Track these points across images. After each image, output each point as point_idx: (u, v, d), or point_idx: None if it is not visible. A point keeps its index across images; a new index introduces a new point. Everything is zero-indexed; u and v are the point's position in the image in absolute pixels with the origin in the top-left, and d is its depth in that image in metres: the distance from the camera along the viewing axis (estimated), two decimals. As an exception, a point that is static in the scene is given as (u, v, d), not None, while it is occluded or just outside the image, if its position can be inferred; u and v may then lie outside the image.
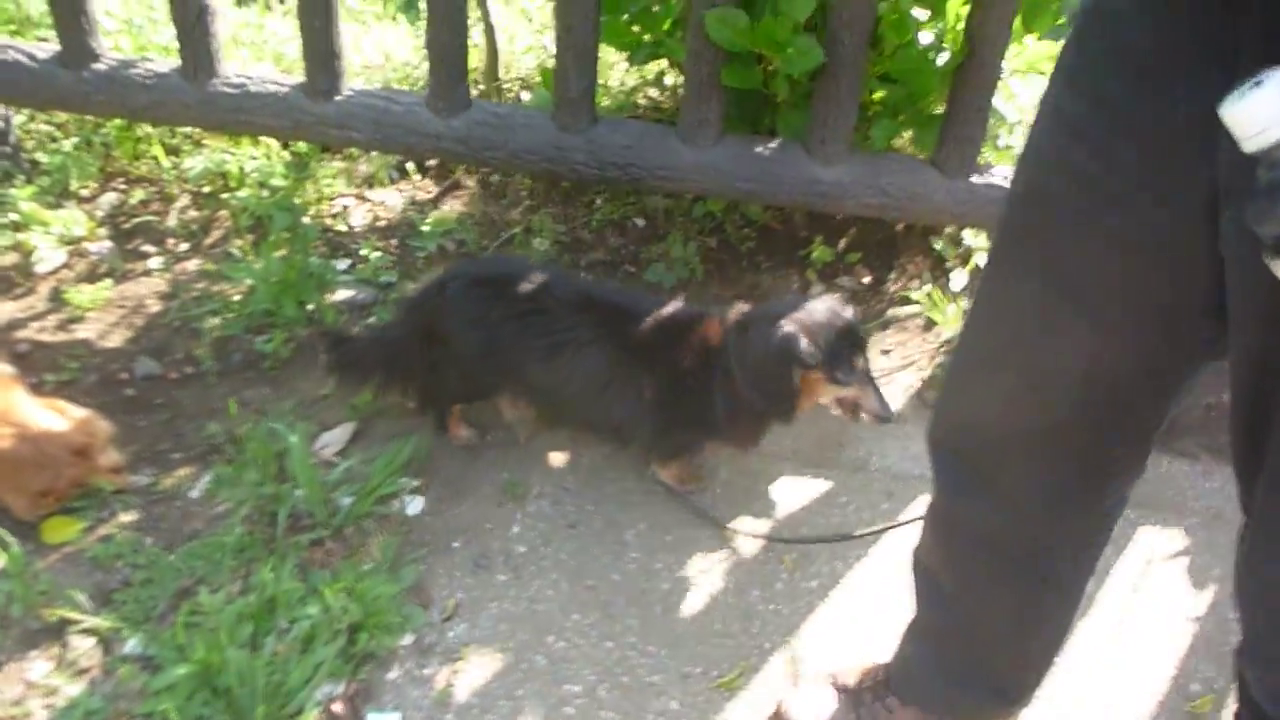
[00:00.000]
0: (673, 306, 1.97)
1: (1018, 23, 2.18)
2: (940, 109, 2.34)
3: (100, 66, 2.37)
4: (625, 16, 2.34)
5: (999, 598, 1.48)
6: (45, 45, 2.43)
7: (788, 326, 1.81)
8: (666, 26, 2.35)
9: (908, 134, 2.52)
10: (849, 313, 1.89)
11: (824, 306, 1.87)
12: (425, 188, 2.84)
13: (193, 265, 2.55)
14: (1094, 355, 1.16)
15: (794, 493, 2.12)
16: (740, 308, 1.95)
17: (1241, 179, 0.84)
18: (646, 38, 2.38)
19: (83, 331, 2.38)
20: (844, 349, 1.85)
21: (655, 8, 2.35)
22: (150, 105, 2.37)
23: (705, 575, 1.95)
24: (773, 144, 2.31)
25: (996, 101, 2.30)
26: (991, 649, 1.54)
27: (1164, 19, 0.97)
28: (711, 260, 2.63)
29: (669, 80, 2.87)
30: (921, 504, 1.64)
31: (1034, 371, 1.22)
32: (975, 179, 2.32)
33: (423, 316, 2.03)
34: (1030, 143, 1.16)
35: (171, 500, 2.03)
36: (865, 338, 1.93)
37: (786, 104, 2.36)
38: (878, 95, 2.35)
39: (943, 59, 2.23)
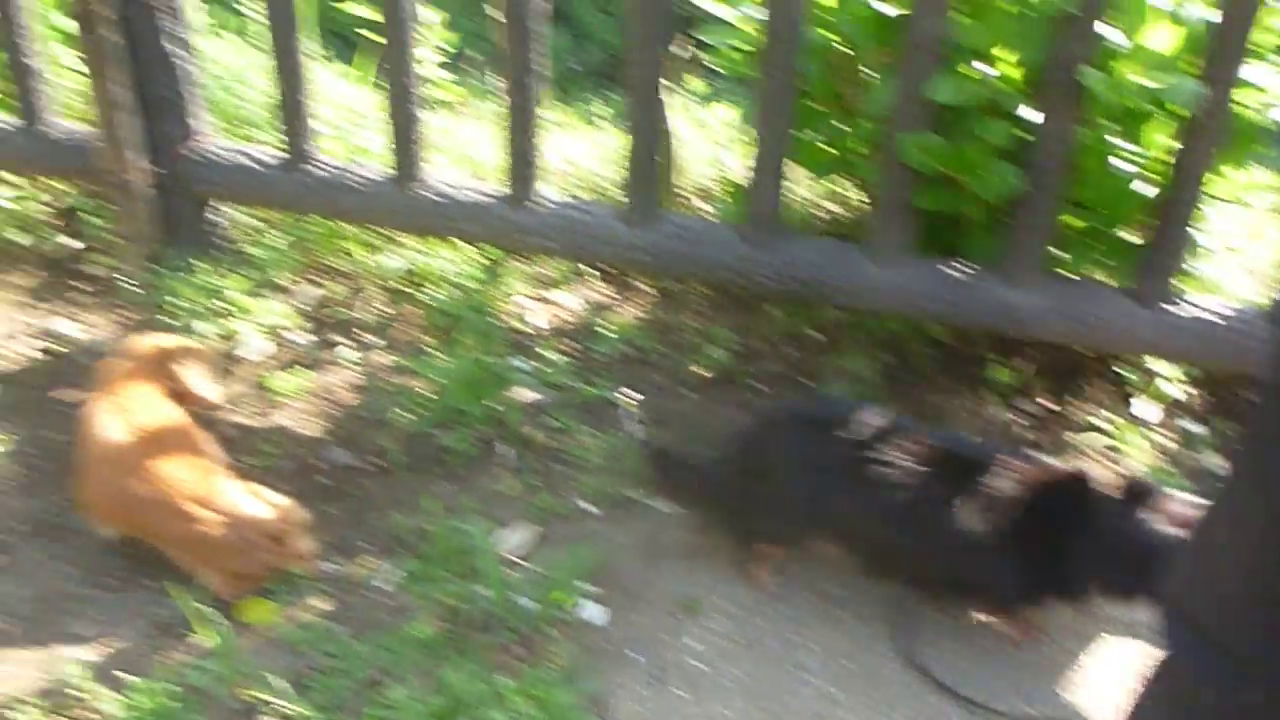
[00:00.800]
0: (1024, 458, 1.92)
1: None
2: (1136, 238, 2.29)
3: (316, 170, 2.52)
4: (813, 135, 2.38)
5: None
6: (268, 150, 2.61)
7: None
8: (856, 148, 2.37)
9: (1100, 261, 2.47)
10: None
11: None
12: (603, 291, 2.91)
13: (382, 359, 2.66)
14: None
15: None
16: (1112, 475, 1.92)
17: None
18: (836, 156, 2.41)
19: (281, 418, 2.50)
20: None
21: (845, 128, 2.39)
22: (360, 208, 2.51)
23: (889, 708, 1.90)
24: (964, 267, 2.30)
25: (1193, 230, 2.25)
26: None
27: None
28: (888, 377, 2.61)
29: (850, 195, 2.89)
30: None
31: None
32: (1171, 308, 2.26)
33: (750, 452, 2.05)
34: None
35: (359, 589, 2.09)
36: None
37: (976, 226, 2.35)
38: (1073, 221, 2.32)
39: (1142, 187, 2.20)
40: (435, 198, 2.47)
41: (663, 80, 2.26)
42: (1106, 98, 2.07)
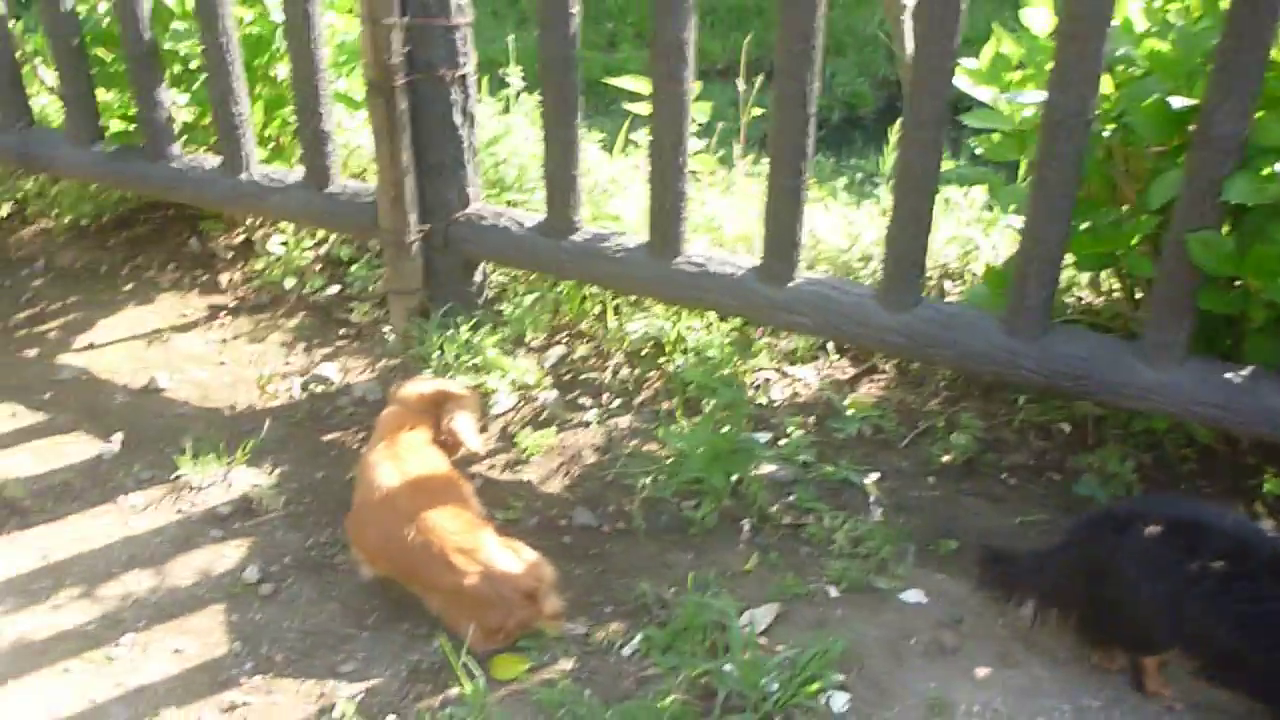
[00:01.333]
0: None
1: None
2: None
3: (577, 238, 2.62)
4: (1088, 226, 2.32)
5: None
6: (534, 216, 2.73)
7: None
8: (1131, 241, 2.29)
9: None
10: None
11: None
12: (843, 368, 2.90)
13: (624, 422, 2.72)
14: None
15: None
16: None
17: None
18: (1109, 250, 2.34)
19: (528, 474, 2.58)
20: None
21: (1119, 221, 2.32)
22: (616, 276, 2.59)
23: (1154, 837, 1.80)
24: (1244, 370, 2.18)
25: None
26: None
27: None
28: (1146, 478, 2.49)
29: (1107, 284, 2.80)
30: None
31: None
32: None
33: (1092, 552, 2.01)
34: None
35: (604, 654, 2.13)
36: None
37: (1258, 329, 2.23)
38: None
39: None
40: (691, 269, 2.52)
41: (940, 164, 2.25)
42: None
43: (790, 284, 2.46)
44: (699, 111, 2.91)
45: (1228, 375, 2.19)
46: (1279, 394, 2.15)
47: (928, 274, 3.03)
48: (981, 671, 2.08)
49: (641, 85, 2.78)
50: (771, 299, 2.46)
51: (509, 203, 3.16)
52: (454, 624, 2.12)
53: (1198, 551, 1.86)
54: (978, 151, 2.58)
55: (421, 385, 2.43)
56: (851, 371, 2.89)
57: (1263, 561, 1.82)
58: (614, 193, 3.21)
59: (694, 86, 2.45)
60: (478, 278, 2.92)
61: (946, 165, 3.36)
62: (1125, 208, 2.34)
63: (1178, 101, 2.11)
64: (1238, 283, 2.17)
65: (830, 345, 2.93)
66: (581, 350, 2.95)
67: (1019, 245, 2.25)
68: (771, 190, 2.40)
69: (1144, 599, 1.92)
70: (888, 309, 2.37)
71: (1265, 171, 2.00)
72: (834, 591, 2.25)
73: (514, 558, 2.14)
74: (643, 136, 3.13)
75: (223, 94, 2.89)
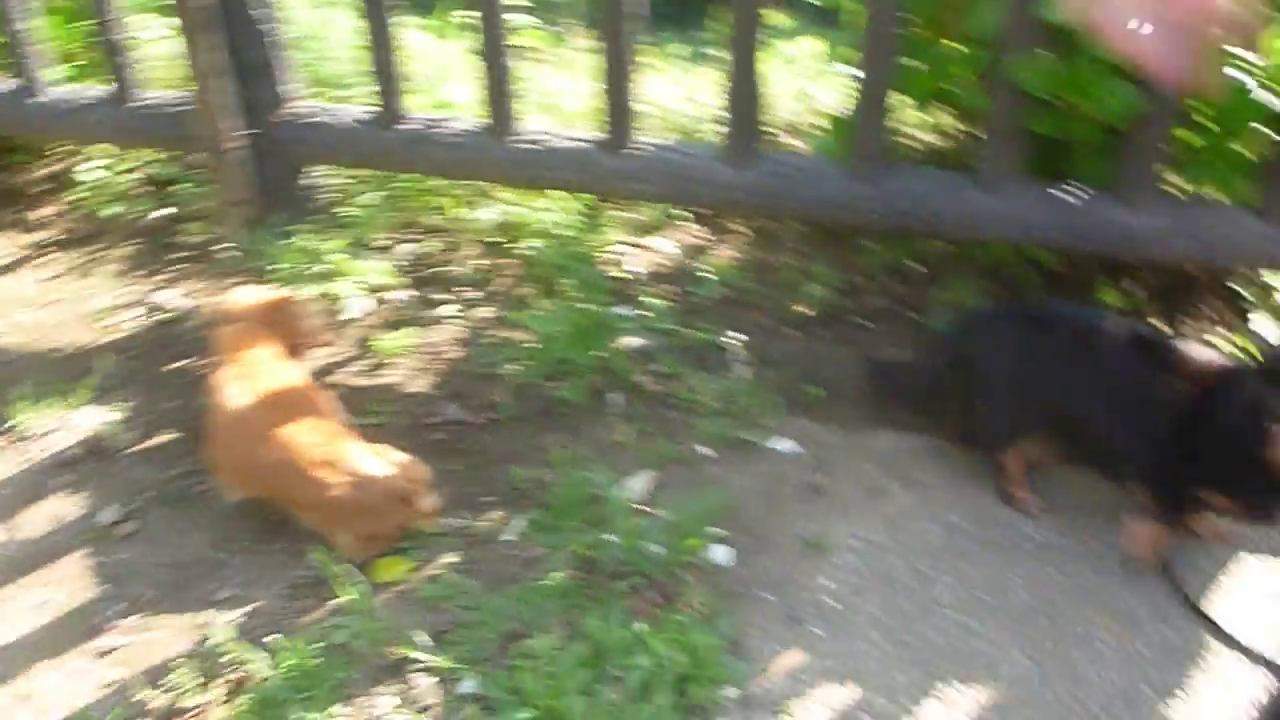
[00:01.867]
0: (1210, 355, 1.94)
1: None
2: (1257, 153, 2.22)
3: (408, 126, 2.52)
4: (919, 64, 2.32)
5: None
6: (359, 109, 2.61)
7: None
8: (959, 73, 2.31)
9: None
10: None
11: None
12: (699, 234, 2.89)
13: (484, 312, 2.67)
14: None
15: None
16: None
17: None
18: (940, 85, 2.35)
19: (389, 377, 2.52)
20: None
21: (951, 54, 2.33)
22: (457, 162, 2.51)
23: (1027, 635, 1.90)
24: (1080, 191, 2.25)
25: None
26: None
27: None
28: (996, 304, 2.57)
29: (944, 122, 2.83)
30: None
31: None
32: (1295, 222, 2.19)
33: (957, 350, 2.14)
34: None
35: (487, 543, 2.12)
36: None
37: (1088, 149, 2.29)
38: (1189, 139, 2.25)
39: (1263, 98, 2.12)
40: (531, 148, 2.45)
41: (761, 15, 2.21)
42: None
43: (633, 152, 2.41)
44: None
45: (1064, 197, 2.25)
46: (1111, 210, 2.23)
47: (773, 130, 3.03)
48: (853, 506, 2.15)
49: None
50: (614, 169, 2.42)
51: (335, 99, 3.02)
52: (330, 536, 2.07)
53: (1049, 335, 1.98)
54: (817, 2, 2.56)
55: (249, 296, 2.31)
56: (707, 237, 2.89)
57: (1103, 336, 1.93)
58: (448, 78, 3.10)
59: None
60: (310, 182, 2.79)
61: (785, 20, 3.35)
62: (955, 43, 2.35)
63: (992, -74, 2.12)
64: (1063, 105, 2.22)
65: (685, 213, 2.91)
66: (432, 245, 2.87)
67: (857, 93, 2.25)
68: (599, 57, 2.33)
69: (999, 384, 2.03)
70: (731, 166, 2.36)
71: (1079, -12, 2.03)
72: (707, 451, 2.27)
73: (382, 462, 2.09)
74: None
75: (7, 8, 2.66)
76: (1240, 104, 2.14)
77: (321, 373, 2.48)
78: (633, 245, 2.84)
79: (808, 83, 3.16)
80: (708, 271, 2.70)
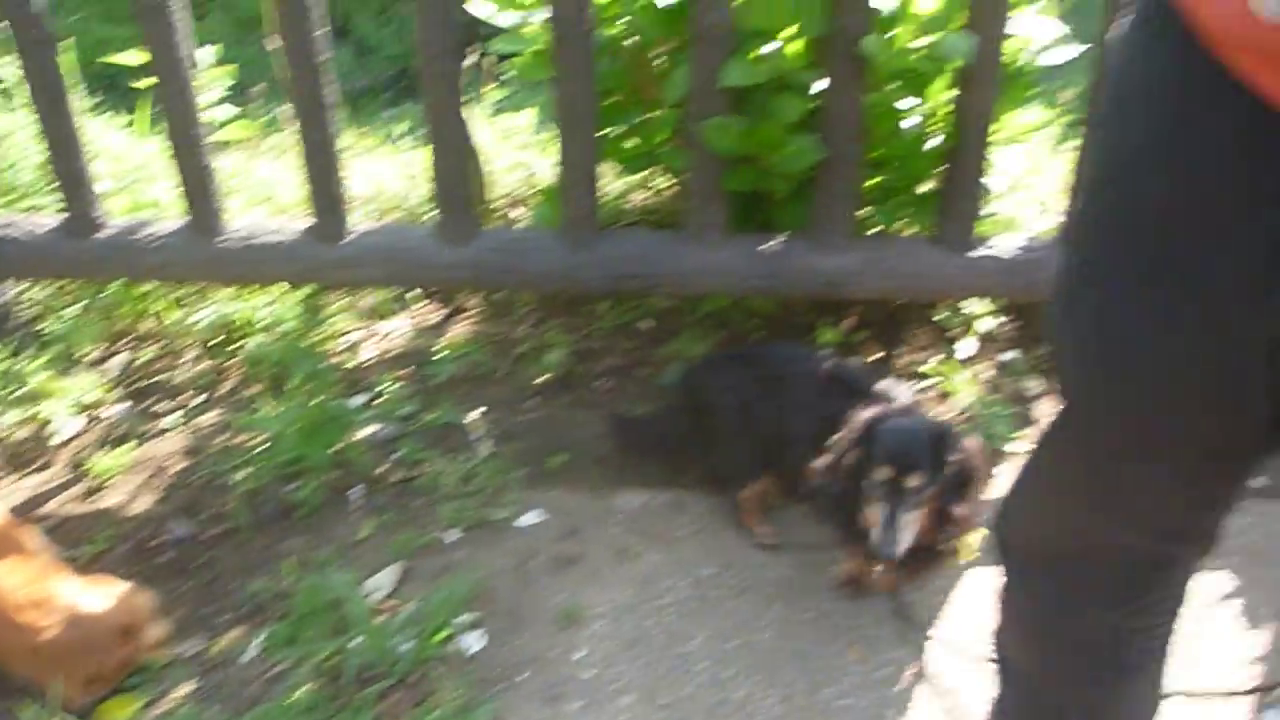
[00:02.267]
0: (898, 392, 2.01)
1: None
2: (934, 189, 2.41)
3: (106, 234, 2.38)
4: (621, 130, 2.40)
5: (1087, 688, 1.49)
6: (46, 218, 2.45)
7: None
8: (661, 138, 2.40)
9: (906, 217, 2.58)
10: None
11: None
12: (430, 313, 2.86)
13: (210, 418, 2.54)
14: (1146, 489, 1.22)
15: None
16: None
17: None
18: (643, 149, 2.43)
19: (109, 499, 2.36)
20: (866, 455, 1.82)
21: (647, 119, 2.42)
22: (160, 266, 2.39)
23: (776, 676, 1.95)
24: (779, 240, 2.36)
25: (985, 179, 2.37)
26: None
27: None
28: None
29: (658, 182, 2.93)
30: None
31: (1099, 502, 1.27)
32: (974, 253, 2.38)
33: (691, 394, 2.22)
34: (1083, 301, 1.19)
35: (226, 666, 2.00)
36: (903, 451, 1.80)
37: (785, 199, 2.42)
38: (874, 181, 2.42)
39: (932, 142, 2.31)
40: (239, 245, 2.36)
41: (460, 93, 2.22)
42: (887, 61, 2.16)
43: (346, 239, 2.37)
44: (224, 77, 2.72)
45: (764, 246, 2.36)
46: (809, 255, 2.35)
47: (494, 204, 3.04)
48: (604, 572, 2.16)
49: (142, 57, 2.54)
50: (331, 258, 2.36)
51: (27, 209, 2.82)
52: (44, 686, 1.90)
53: (755, 375, 2.10)
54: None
55: None
56: (440, 314, 2.86)
57: (804, 373, 2.04)
58: (153, 178, 2.95)
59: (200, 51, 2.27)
60: (3, 298, 2.60)
61: (497, 93, 3.39)
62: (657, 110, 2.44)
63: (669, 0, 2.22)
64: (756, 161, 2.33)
65: (417, 292, 2.88)
66: (149, 353, 2.71)
67: (557, 159, 2.29)
68: (303, 146, 2.29)
69: (722, 425, 2.11)
70: (449, 245, 2.35)
71: (753, 54, 2.15)
72: (453, 535, 2.23)
73: (98, 595, 1.95)
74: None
75: None
76: (912, 147, 2.31)
77: (27, 505, 2.29)
78: (365, 331, 2.78)
79: (527, 155, 3.21)
80: (442, 350, 2.68)
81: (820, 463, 1.89)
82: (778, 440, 2.05)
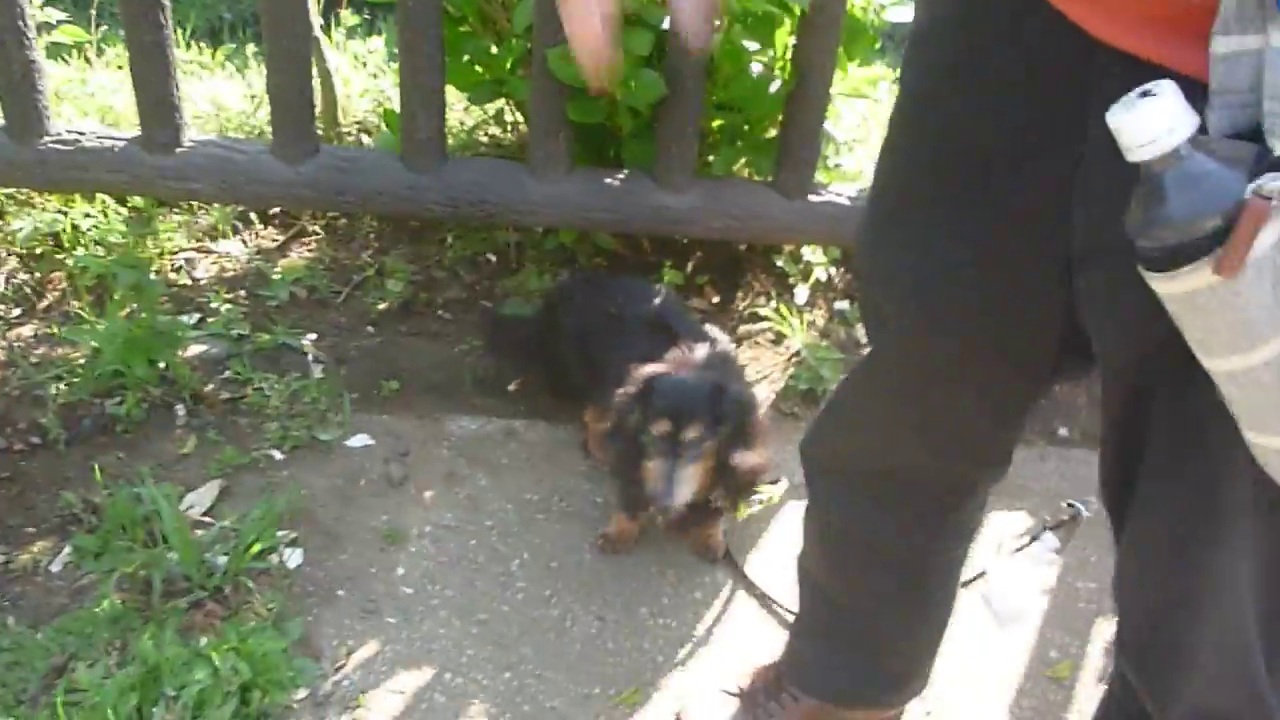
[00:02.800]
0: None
1: (840, 50, 2.32)
2: (776, 134, 2.46)
3: (-85, 131, 2.26)
4: (466, 58, 2.38)
5: (879, 599, 1.57)
6: None
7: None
8: (509, 66, 2.39)
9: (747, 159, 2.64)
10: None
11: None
12: (270, 236, 2.80)
13: (28, 331, 2.44)
14: (950, 409, 1.29)
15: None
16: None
17: (1105, 233, 0.90)
18: (489, 78, 2.42)
19: (-87, 409, 2.25)
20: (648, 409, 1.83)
21: (494, 49, 2.40)
22: (-26, 168, 2.27)
23: (594, 596, 1.99)
24: (620, 175, 2.39)
25: (826, 124, 2.44)
26: (878, 645, 1.64)
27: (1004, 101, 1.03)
28: (566, 290, 2.68)
29: (509, 118, 2.92)
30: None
31: (902, 424, 1.35)
32: (812, 198, 2.45)
33: (549, 311, 2.25)
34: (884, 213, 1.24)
35: (30, 577, 1.94)
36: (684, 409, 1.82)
37: (630, 135, 2.44)
38: (717, 123, 2.46)
39: (775, 87, 2.36)
40: (63, 148, 2.26)
41: (302, 5, 2.17)
42: (732, 3, 2.20)
43: (179, 149, 2.29)
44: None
45: (608, 180, 2.38)
46: (654, 192, 2.38)
47: (345, 129, 2.99)
48: (429, 494, 2.16)
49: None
50: (160, 168, 2.29)
51: None
52: None
53: (603, 306, 2.12)
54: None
55: None
56: (280, 238, 2.80)
57: (637, 315, 2.07)
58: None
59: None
60: None
61: (353, 19, 3.31)
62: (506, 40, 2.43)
63: (519, -75, 2.20)
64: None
65: (254, 216, 2.81)
66: (-38, 263, 2.58)
67: (400, 83, 2.26)
68: (132, 50, 2.20)
69: (567, 343, 2.15)
70: (285, 161, 2.30)
71: (601, -17, 2.15)
72: (278, 454, 2.20)
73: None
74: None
75: None
76: (756, 92, 2.36)
77: None
78: (197, 251, 2.70)
79: (383, 82, 3.15)
80: (280, 274, 2.62)
81: (604, 424, 1.94)
82: (602, 371, 2.07)
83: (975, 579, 2.09)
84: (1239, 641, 1.05)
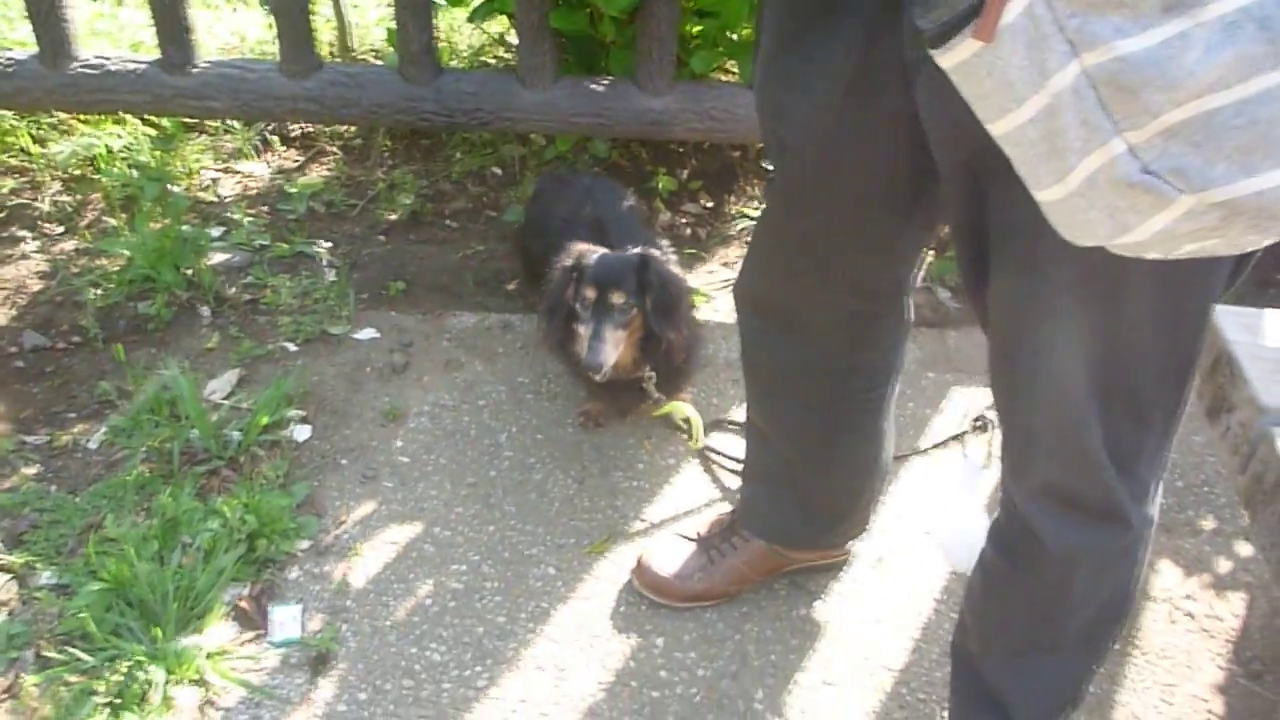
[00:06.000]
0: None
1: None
2: (751, 36, 2.57)
3: (-42, 59, 2.48)
4: (459, -26, 2.54)
5: (805, 437, 1.71)
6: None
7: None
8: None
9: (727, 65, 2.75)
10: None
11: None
12: (290, 157, 2.99)
13: (69, 245, 2.67)
14: (836, 242, 1.41)
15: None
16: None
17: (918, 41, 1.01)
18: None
19: (-34, 315, 2.49)
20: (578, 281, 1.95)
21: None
22: (12, 93, 2.49)
23: (574, 462, 2.16)
24: (604, 81, 2.52)
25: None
26: (808, 486, 1.77)
27: None
28: (565, 198, 2.83)
29: (512, 39, 3.06)
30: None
31: (801, 255, 1.46)
32: (755, 74, 2.55)
33: (530, 205, 2.42)
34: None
35: (71, 453, 2.16)
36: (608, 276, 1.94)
37: (615, 45, 2.58)
38: (695, 29, 2.58)
39: (747, -10, 2.47)
40: (90, 71, 2.47)
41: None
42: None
43: (195, 70, 2.49)
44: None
45: (593, 87, 2.52)
46: (635, 97, 2.52)
47: (358, 53, 3.16)
48: (429, 378, 2.34)
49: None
50: (178, 87, 2.48)
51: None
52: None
53: (564, 201, 2.25)
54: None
55: None
56: (300, 159, 2.99)
57: (584, 215, 2.20)
58: (18, 20, 3.03)
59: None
60: None
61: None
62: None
63: None
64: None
65: (276, 139, 3.00)
66: (9, 184, 2.81)
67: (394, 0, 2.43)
68: (149, -24, 2.39)
69: (531, 236, 2.30)
70: (292, 78, 2.48)
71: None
72: (292, 346, 2.40)
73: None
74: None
75: None
76: (732, -3, 2.48)
77: (-114, 315, 2.42)
78: (223, 172, 2.91)
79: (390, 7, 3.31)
80: (297, 189, 2.81)
81: (542, 304, 2.05)
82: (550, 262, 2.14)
83: (933, 449, 2.21)
84: (1073, 417, 1.18)
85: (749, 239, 2.80)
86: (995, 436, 1.79)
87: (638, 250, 1.98)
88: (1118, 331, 1.12)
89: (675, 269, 2.07)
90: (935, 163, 1.17)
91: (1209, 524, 2.09)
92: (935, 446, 2.21)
